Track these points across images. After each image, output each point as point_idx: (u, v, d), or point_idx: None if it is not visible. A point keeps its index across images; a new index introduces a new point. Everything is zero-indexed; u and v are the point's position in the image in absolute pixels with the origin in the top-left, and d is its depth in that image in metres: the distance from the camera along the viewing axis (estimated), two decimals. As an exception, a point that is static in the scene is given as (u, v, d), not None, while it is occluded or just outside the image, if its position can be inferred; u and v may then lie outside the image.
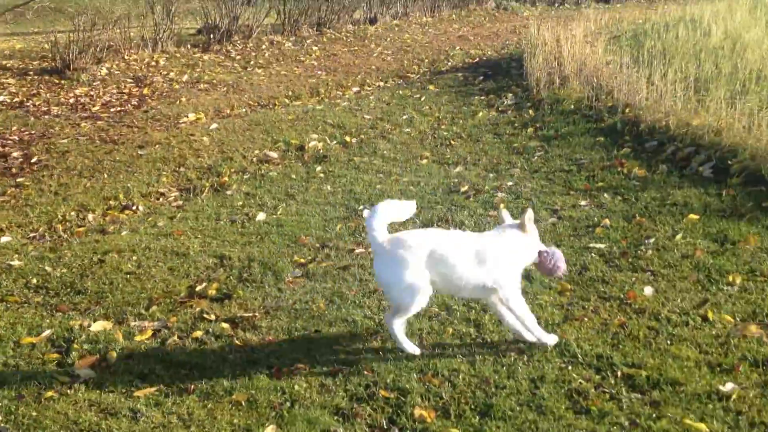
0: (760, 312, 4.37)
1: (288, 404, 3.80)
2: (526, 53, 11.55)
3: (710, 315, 4.34)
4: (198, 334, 4.51)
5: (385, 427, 3.62)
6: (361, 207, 6.58)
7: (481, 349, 4.22)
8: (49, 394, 3.82)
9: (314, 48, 14.47)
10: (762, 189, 6.07)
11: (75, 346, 4.31)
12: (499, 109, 9.90)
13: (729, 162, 6.54)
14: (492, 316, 4.50)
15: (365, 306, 4.82)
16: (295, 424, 3.62)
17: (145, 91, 10.93)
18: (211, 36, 14.36)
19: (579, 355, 4.05)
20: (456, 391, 3.85)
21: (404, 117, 9.69)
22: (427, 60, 13.36)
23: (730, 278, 4.75)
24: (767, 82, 8.36)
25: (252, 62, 13.25)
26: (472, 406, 3.71)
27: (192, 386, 3.94)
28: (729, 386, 3.66)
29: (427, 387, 3.89)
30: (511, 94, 10.47)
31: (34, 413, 3.66)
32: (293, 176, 7.66)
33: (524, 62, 11.33)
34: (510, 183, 7.03)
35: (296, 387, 3.93)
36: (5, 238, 5.99)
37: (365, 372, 4.05)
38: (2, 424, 3.57)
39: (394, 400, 3.80)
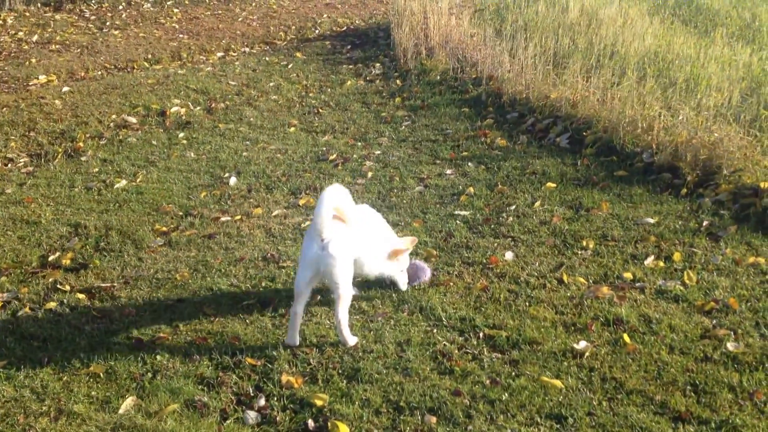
0: (611, 274, 4.64)
1: (150, 375, 3.68)
2: (393, 23, 11.61)
3: (565, 278, 4.57)
4: (52, 305, 4.27)
5: (252, 394, 3.58)
6: (227, 174, 6.43)
7: (349, 315, 4.24)
8: None
9: (175, 10, 13.87)
10: (613, 158, 6.43)
11: None
12: (367, 78, 9.91)
13: (584, 133, 6.88)
14: (359, 281, 4.55)
15: (231, 275, 4.73)
16: (157, 395, 3.52)
17: (-12, 50, 10.13)
18: (64, -6, 13.48)
19: (444, 319, 4.15)
20: (324, 356, 3.86)
21: (271, 84, 9.50)
22: (294, 27, 13.13)
23: (584, 243, 5.02)
24: (620, 57, 8.82)
25: (108, 23, 12.54)
26: (340, 371, 3.74)
27: (46, 358, 3.73)
28: (582, 344, 3.88)
29: (294, 354, 3.87)
30: (378, 64, 10.50)
31: None
32: (154, 142, 7.35)
33: (391, 32, 11.39)
34: (378, 152, 7.07)
35: (158, 357, 3.81)
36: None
37: (231, 341, 3.98)
38: None
39: (261, 367, 3.77)
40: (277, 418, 3.40)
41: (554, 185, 6.02)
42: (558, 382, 3.57)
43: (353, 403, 3.49)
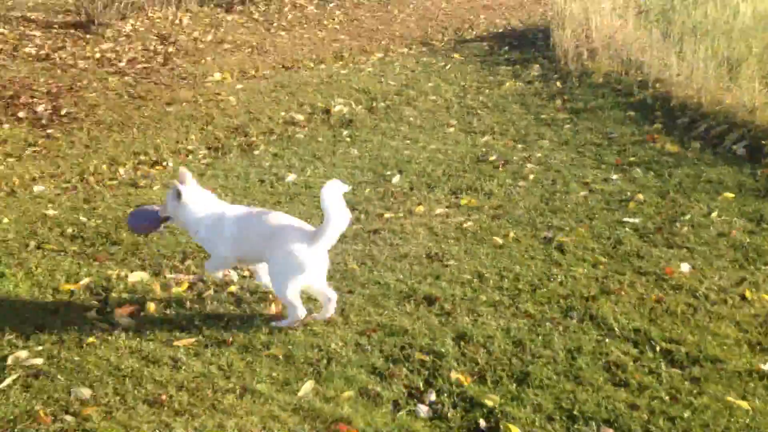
0: (797, 293, 4.37)
1: (324, 361, 3.83)
2: (553, 24, 11.43)
3: (749, 294, 4.35)
4: (233, 288, 4.54)
5: (422, 388, 3.65)
6: (389, 172, 6.58)
7: (515, 318, 4.24)
8: (91, 340, 3.87)
9: (337, 12, 14.31)
10: (797, 170, 6.04)
11: (113, 295, 4.35)
12: (526, 80, 9.81)
13: (763, 142, 6.49)
14: (525, 284, 4.53)
15: (397, 270, 4.83)
16: (332, 381, 3.66)
17: (170, 49, 10.87)
18: (234, -4, 14.23)
19: (616, 329, 4.06)
20: (492, 357, 3.87)
21: (429, 85, 9.61)
22: (451, 28, 13.21)
23: (768, 258, 4.75)
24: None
25: (275, 24, 13.13)
26: (509, 373, 3.74)
27: (230, 338, 3.98)
28: (769, 365, 3.68)
29: (462, 352, 3.91)
30: (537, 66, 10.36)
31: (77, 358, 3.71)
32: (320, 139, 7.63)
33: (551, 33, 11.21)
34: (539, 154, 7.00)
35: (332, 345, 3.96)
36: (39, 188, 6.01)
37: (400, 334, 4.08)
38: (44, 368, 3.62)
39: (430, 363, 3.83)
40: (449, 415, 3.45)
41: (732, 195, 5.72)
42: (744, 404, 3.41)
43: (524, 407, 3.48)
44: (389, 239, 5.32)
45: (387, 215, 5.73)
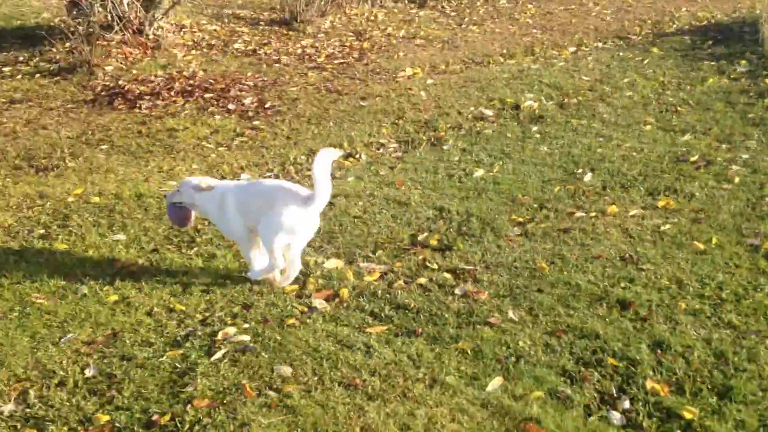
0: None
1: (513, 359, 3.82)
2: (762, 18, 10.56)
3: None
4: (422, 280, 4.64)
5: (615, 395, 3.54)
6: (581, 170, 6.41)
7: (717, 329, 4.00)
8: (291, 321, 4.11)
9: (529, 6, 14.11)
10: None
11: (311, 280, 4.59)
12: (731, 76, 9.15)
13: None
14: (728, 293, 4.26)
15: (588, 271, 4.71)
16: (521, 379, 3.64)
17: (365, 44, 11.25)
18: (427, -8, 14.45)
19: (835, 347, 3.71)
20: (690, 368, 3.68)
21: (625, 80, 9.22)
22: (649, 21, 12.59)
23: None
24: None
25: (466, 19, 13.18)
26: (710, 386, 3.54)
27: (419, 329, 4.07)
28: None
29: (658, 360, 3.75)
30: (744, 61, 9.63)
31: (278, 337, 3.96)
32: (509, 135, 7.57)
33: (760, 27, 10.37)
34: (745, 156, 6.52)
35: (520, 343, 3.94)
36: (245, 176, 6.47)
37: (591, 337, 3.97)
38: (251, 344, 3.89)
39: (623, 369, 3.71)
40: (644, 424, 3.33)
41: None
42: None
43: (726, 422, 3.29)
44: (580, 239, 5.19)
45: (578, 214, 5.59)
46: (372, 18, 13.13)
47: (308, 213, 4.35)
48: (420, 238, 5.26)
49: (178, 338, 4.00)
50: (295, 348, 3.86)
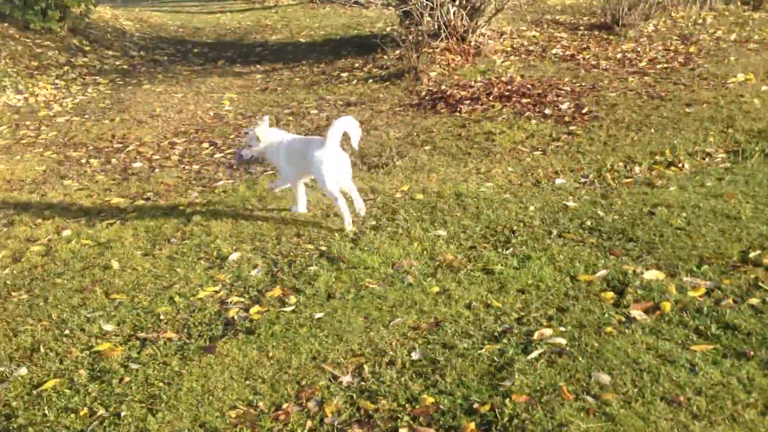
0: None
1: None
2: None
3: None
4: (754, 301, 4.27)
5: None
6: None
7: None
8: (609, 329, 4.04)
9: None
10: None
11: (629, 290, 4.46)
12: None
13: None
14: None
15: None
16: None
17: (691, 49, 10.60)
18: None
19: None
20: None
21: None
22: None
23: None
24: None
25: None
26: None
27: (750, 352, 3.76)
28: None
29: None
30: None
31: (596, 344, 3.91)
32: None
33: None
34: None
35: None
36: (560, 180, 6.48)
37: None
38: (567, 347, 3.91)
39: None
40: None
41: None
42: None
43: None
44: None
45: None
46: (700, 21, 12.33)
47: (329, 150, 5.51)
48: (752, 255, 4.84)
49: (496, 333, 4.14)
50: (613, 357, 3.78)
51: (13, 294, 5.03)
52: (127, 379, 3.90)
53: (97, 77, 12.72)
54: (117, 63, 13.89)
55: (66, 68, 12.93)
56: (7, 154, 8.63)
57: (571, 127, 7.82)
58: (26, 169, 8.00)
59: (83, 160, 8.30)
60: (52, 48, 13.52)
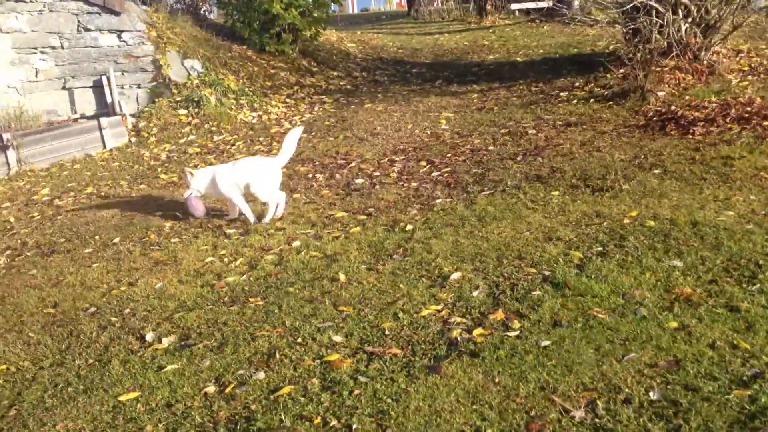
0: None
1: None
2: None
3: None
4: None
5: None
6: None
7: None
8: None
9: None
10: None
11: None
12: None
13: None
14: None
15: None
16: None
17: None
18: None
19: None
20: None
21: None
22: None
23: None
24: None
25: None
26: None
27: None
28: None
29: None
30: None
31: None
32: None
33: None
34: None
35: None
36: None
37: None
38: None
39: None
40: None
41: None
42: None
43: None
44: None
45: None
46: None
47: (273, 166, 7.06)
48: None
49: (744, 377, 3.74)
50: None
51: (250, 300, 5.35)
52: (356, 391, 3.96)
53: (323, 96, 13.43)
54: (341, 83, 14.60)
55: (296, 88, 13.79)
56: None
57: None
58: (260, 181, 8.56)
59: (310, 175, 8.75)
60: (284, 69, 14.49)
